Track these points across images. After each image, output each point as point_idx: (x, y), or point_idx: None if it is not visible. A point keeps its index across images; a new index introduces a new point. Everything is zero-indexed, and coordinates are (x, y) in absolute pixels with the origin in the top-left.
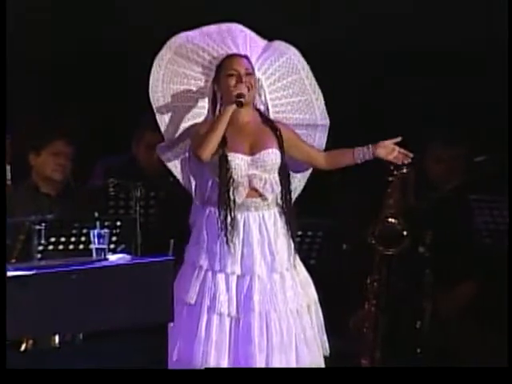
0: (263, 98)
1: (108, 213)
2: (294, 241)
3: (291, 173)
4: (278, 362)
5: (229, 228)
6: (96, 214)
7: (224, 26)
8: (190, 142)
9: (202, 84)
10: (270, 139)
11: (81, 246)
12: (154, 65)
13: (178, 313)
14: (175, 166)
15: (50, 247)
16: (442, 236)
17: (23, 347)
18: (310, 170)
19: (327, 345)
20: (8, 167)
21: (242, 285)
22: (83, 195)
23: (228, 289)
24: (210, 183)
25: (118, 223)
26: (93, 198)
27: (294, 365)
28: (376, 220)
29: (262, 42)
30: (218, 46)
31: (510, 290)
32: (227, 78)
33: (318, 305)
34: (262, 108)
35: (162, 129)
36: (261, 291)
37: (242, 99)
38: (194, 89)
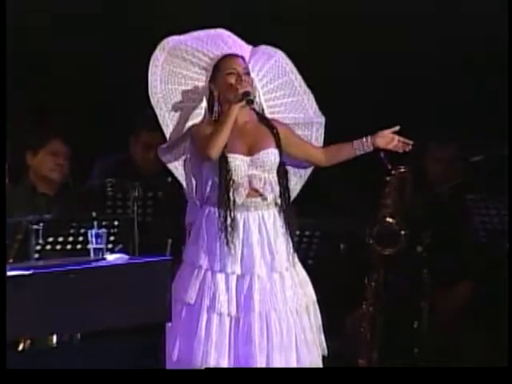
0: (258, 98)
1: (106, 212)
2: (292, 240)
3: (290, 173)
4: (278, 362)
5: (229, 229)
6: (94, 214)
7: (212, 30)
8: (189, 143)
9: (200, 84)
10: (269, 139)
11: (78, 246)
12: (151, 66)
13: (178, 312)
14: (176, 168)
15: (48, 247)
16: (439, 236)
17: (21, 347)
18: (309, 170)
19: (325, 345)
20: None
21: (241, 285)
22: (81, 195)
23: (228, 288)
24: (209, 184)
25: (116, 223)
26: (90, 197)
27: (294, 365)
28: (374, 220)
29: (247, 46)
30: (211, 47)
31: (510, 290)
32: (226, 77)
33: (317, 305)
34: (256, 108)
35: (165, 130)
36: (261, 291)
37: (250, 97)
38: (193, 89)
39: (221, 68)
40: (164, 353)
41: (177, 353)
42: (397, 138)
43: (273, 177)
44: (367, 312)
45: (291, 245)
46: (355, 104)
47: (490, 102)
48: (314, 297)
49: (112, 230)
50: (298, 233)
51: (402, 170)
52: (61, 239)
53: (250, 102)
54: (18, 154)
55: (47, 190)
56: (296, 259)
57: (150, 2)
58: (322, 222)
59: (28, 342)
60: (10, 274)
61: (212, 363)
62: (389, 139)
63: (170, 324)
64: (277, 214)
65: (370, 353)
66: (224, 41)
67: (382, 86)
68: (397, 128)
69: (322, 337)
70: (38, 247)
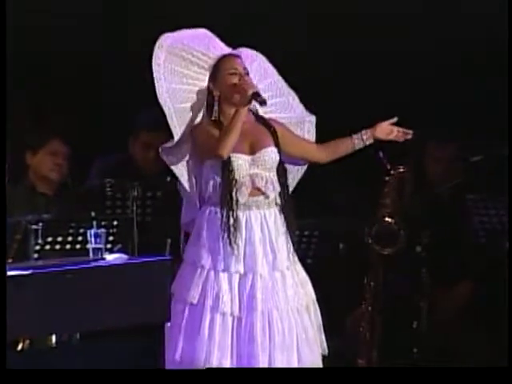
0: None
1: (105, 212)
2: (292, 239)
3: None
4: (279, 362)
5: (231, 229)
6: (93, 214)
7: (199, 30)
8: (190, 143)
9: (201, 84)
10: (267, 138)
11: (77, 246)
12: (153, 65)
13: (179, 312)
14: (177, 168)
15: (47, 247)
16: (439, 236)
17: (20, 347)
18: (304, 167)
19: (325, 344)
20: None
21: (244, 284)
22: (80, 195)
23: (231, 288)
24: (210, 184)
25: (115, 223)
26: (89, 197)
27: (295, 365)
28: (373, 219)
29: (227, 48)
30: (207, 46)
31: (510, 290)
32: (228, 76)
33: (317, 304)
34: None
35: (173, 130)
36: (263, 290)
37: (262, 97)
38: (196, 89)
39: (221, 68)
40: (163, 353)
41: (179, 353)
42: (396, 128)
43: (273, 175)
44: (366, 312)
45: (291, 244)
46: (355, 104)
47: (490, 101)
48: (313, 296)
49: (111, 230)
50: (297, 232)
51: (401, 169)
52: (60, 239)
53: (264, 103)
54: (18, 153)
55: (46, 189)
56: (296, 258)
57: (150, 2)
58: (321, 221)
59: (27, 341)
60: (9, 273)
61: (215, 363)
62: (388, 130)
63: (169, 324)
64: (277, 212)
65: (369, 352)
66: (212, 41)
67: (382, 86)
68: (395, 119)
69: (323, 336)
70: (37, 247)
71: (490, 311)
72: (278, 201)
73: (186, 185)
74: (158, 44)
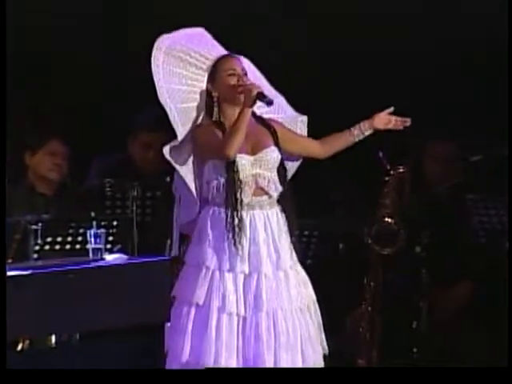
0: None
1: (104, 213)
2: (292, 238)
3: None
4: (284, 361)
5: (236, 230)
6: (92, 214)
7: (196, 30)
8: (191, 144)
9: (200, 85)
10: (268, 138)
11: (77, 246)
12: (152, 66)
13: (184, 314)
14: (180, 168)
15: (47, 247)
16: (438, 236)
17: (19, 347)
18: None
19: (325, 344)
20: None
21: (249, 283)
22: (79, 195)
23: (236, 288)
24: (213, 184)
25: (115, 223)
26: (89, 197)
27: (299, 364)
28: (372, 220)
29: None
30: (205, 47)
31: (510, 290)
32: (227, 77)
33: (317, 304)
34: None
35: (176, 130)
36: (267, 289)
37: (267, 98)
38: (195, 90)
39: (219, 69)
40: (162, 352)
41: (186, 353)
42: (393, 117)
43: (275, 175)
44: (366, 312)
45: (292, 243)
46: (355, 104)
47: (489, 101)
48: (313, 296)
49: (111, 230)
50: (296, 233)
51: (401, 169)
52: (59, 239)
53: (270, 103)
54: (17, 153)
55: (46, 189)
56: (295, 258)
57: (150, 2)
58: (320, 222)
59: (27, 342)
60: (8, 274)
61: (222, 363)
62: (386, 120)
63: (173, 326)
64: (279, 212)
65: (369, 352)
66: (210, 41)
67: (382, 86)
68: (391, 109)
69: (323, 336)
70: (37, 247)
71: (489, 311)
72: (279, 200)
73: (191, 185)
74: (156, 46)
